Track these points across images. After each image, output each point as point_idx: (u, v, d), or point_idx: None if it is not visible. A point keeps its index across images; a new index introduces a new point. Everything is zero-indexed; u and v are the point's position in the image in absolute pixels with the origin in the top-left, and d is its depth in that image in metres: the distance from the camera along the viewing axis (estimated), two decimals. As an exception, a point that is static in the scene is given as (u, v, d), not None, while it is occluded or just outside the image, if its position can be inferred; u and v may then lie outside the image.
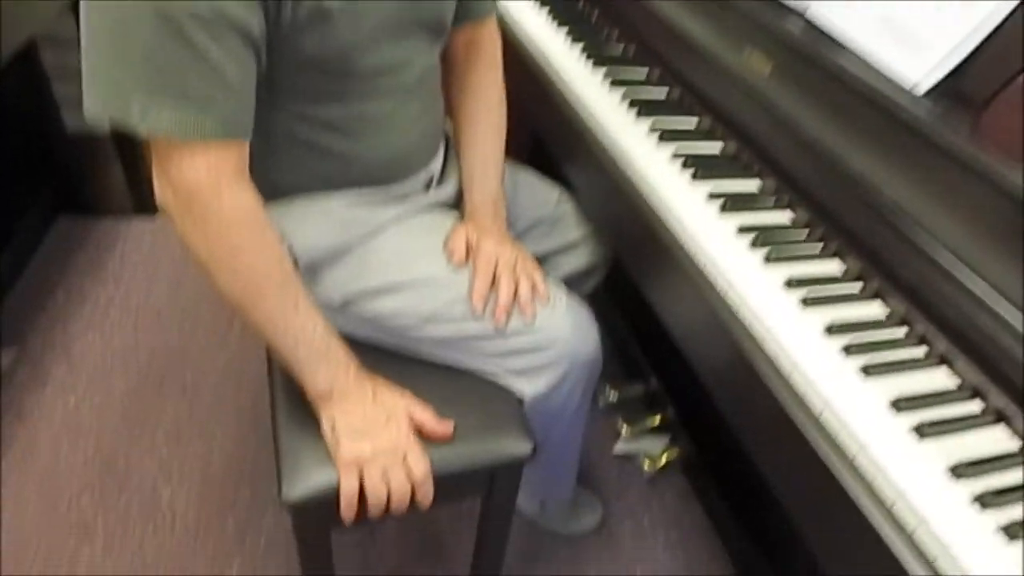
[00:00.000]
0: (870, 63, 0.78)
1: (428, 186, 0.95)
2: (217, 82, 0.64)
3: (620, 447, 1.39)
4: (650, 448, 1.36)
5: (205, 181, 0.67)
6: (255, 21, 0.65)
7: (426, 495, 0.78)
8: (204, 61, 0.62)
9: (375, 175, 0.86)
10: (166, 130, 0.63)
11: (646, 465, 1.33)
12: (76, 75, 0.63)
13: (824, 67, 0.81)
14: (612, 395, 1.42)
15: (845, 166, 0.77)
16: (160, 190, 0.69)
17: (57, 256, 1.75)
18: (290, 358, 0.76)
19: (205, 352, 1.55)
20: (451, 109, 0.99)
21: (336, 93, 0.77)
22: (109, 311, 1.63)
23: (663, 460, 1.33)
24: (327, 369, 0.77)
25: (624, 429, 1.38)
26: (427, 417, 0.80)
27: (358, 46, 0.74)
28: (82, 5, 0.62)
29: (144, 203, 1.88)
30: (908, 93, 0.74)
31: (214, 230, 0.69)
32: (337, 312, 0.84)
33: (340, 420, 0.77)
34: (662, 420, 1.38)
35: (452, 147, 1.01)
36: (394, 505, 0.77)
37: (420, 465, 0.77)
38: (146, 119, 0.63)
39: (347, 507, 0.76)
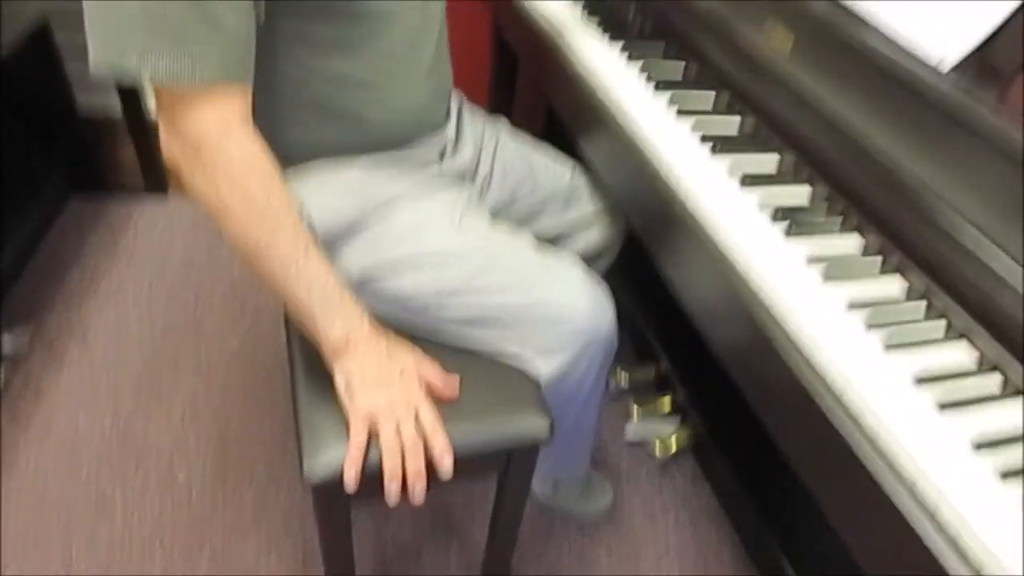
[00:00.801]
0: (894, 39, 0.77)
1: (442, 155, 0.94)
2: (215, 27, 0.64)
3: (631, 432, 1.39)
4: (661, 432, 1.36)
5: (212, 129, 0.67)
6: None
7: (441, 453, 0.76)
8: (200, 7, 0.62)
9: (390, 136, 0.86)
10: (165, 76, 0.63)
11: (658, 450, 1.34)
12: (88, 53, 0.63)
13: (847, 43, 0.80)
14: (623, 378, 1.42)
15: (868, 143, 0.76)
16: (167, 142, 0.69)
17: (71, 235, 1.76)
18: (305, 311, 0.76)
19: (219, 330, 1.56)
20: None
21: (341, 41, 0.76)
22: (123, 289, 1.64)
23: (674, 446, 1.33)
24: (343, 318, 0.77)
25: (635, 412, 1.38)
26: (435, 374, 0.81)
27: None
28: None
29: (157, 182, 1.88)
30: (933, 69, 0.72)
31: (224, 177, 0.69)
32: (356, 291, 0.85)
33: (355, 372, 0.77)
34: (673, 403, 1.38)
35: (464, 112, 1.00)
36: (408, 463, 0.75)
37: (432, 418, 0.77)
38: (144, 65, 0.63)
39: (353, 460, 0.74)
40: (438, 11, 0.87)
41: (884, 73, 0.76)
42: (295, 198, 0.77)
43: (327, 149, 0.83)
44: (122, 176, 1.86)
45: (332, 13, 0.73)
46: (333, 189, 0.83)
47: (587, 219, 1.09)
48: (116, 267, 1.69)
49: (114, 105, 1.73)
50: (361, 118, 0.82)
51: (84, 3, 0.63)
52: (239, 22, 0.66)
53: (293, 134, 0.80)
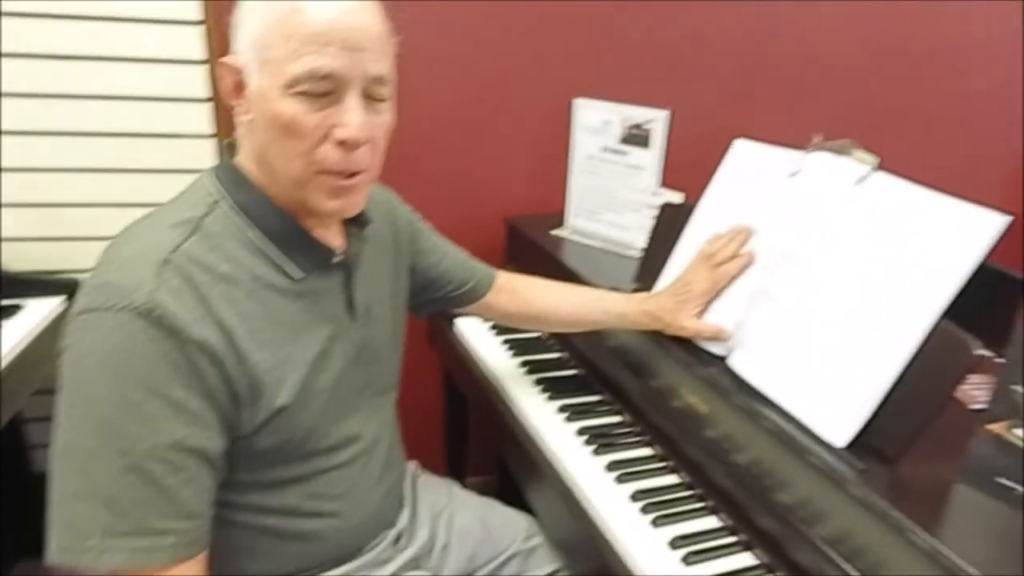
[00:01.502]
0: (789, 415, 0.88)
1: (398, 542, 0.97)
2: (176, 513, 0.67)
3: None
4: None
5: None
6: (215, 443, 0.70)
7: None
8: (164, 494, 0.66)
9: (346, 545, 0.89)
10: (122, 567, 0.66)
11: None
12: (47, 419, 0.67)
13: (748, 414, 0.91)
14: None
15: (774, 499, 0.85)
16: None
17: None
18: None
19: None
20: (540, 321, 1.17)
21: (297, 478, 0.81)
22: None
23: None
24: None
25: None
26: None
27: (315, 430, 0.80)
28: (52, 448, 0.67)
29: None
30: (827, 445, 0.82)
31: None
32: None
33: None
34: None
35: (418, 489, 1.05)
36: None
37: None
38: (101, 562, 0.65)
39: None
40: (390, 416, 0.96)
41: (785, 446, 0.85)
42: None
43: (286, 568, 0.85)
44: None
45: (290, 457, 0.79)
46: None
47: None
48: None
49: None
50: (320, 535, 0.85)
51: (51, 491, 0.67)
52: (200, 502, 0.70)
53: (249, 564, 0.83)
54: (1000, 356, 0.77)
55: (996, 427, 0.75)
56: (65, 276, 1.41)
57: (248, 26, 0.71)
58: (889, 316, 0.80)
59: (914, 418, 0.77)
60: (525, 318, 1.17)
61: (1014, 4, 1.82)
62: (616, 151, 1.43)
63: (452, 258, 1.08)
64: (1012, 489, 0.73)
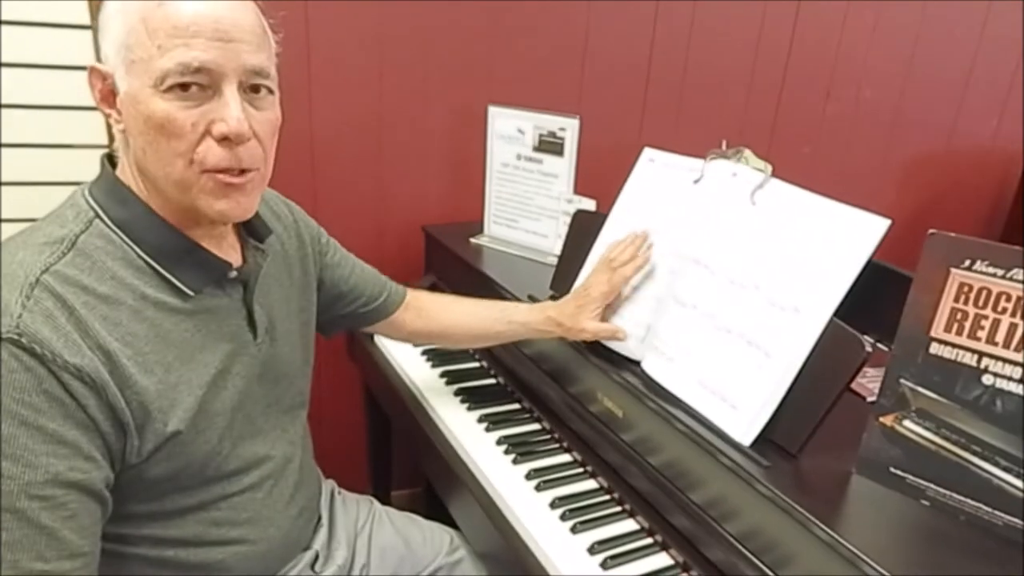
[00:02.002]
0: (699, 416, 0.90)
1: (314, 564, 0.94)
2: (59, 553, 0.63)
3: None
4: None
5: None
6: (98, 474, 0.66)
7: None
8: (43, 533, 0.62)
9: (256, 571, 0.85)
10: None
11: None
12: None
13: (661, 416, 0.93)
14: None
15: (688, 499, 0.88)
16: None
17: None
18: None
19: None
20: (446, 337, 1.15)
21: (197, 506, 0.77)
22: None
23: None
24: None
25: None
26: None
27: (215, 454, 0.76)
28: None
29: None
30: (735, 443, 0.84)
31: None
32: None
33: None
34: None
35: (335, 506, 1.02)
36: None
37: None
38: None
39: None
40: (301, 431, 0.93)
41: (696, 446, 0.87)
42: None
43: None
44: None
45: (188, 485, 0.75)
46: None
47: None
48: None
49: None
50: (226, 566, 0.82)
51: None
52: (84, 539, 0.65)
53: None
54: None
55: (888, 419, 0.78)
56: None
57: (112, 28, 0.67)
58: (786, 318, 0.84)
59: (812, 415, 0.80)
60: (430, 335, 1.15)
61: (906, 7, 1.93)
62: (531, 159, 1.44)
63: (362, 272, 1.06)
64: (903, 478, 0.77)
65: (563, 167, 1.40)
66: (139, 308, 0.70)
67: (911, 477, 0.77)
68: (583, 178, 1.41)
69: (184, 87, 0.66)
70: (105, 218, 0.71)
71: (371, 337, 1.43)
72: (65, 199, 0.74)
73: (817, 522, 0.72)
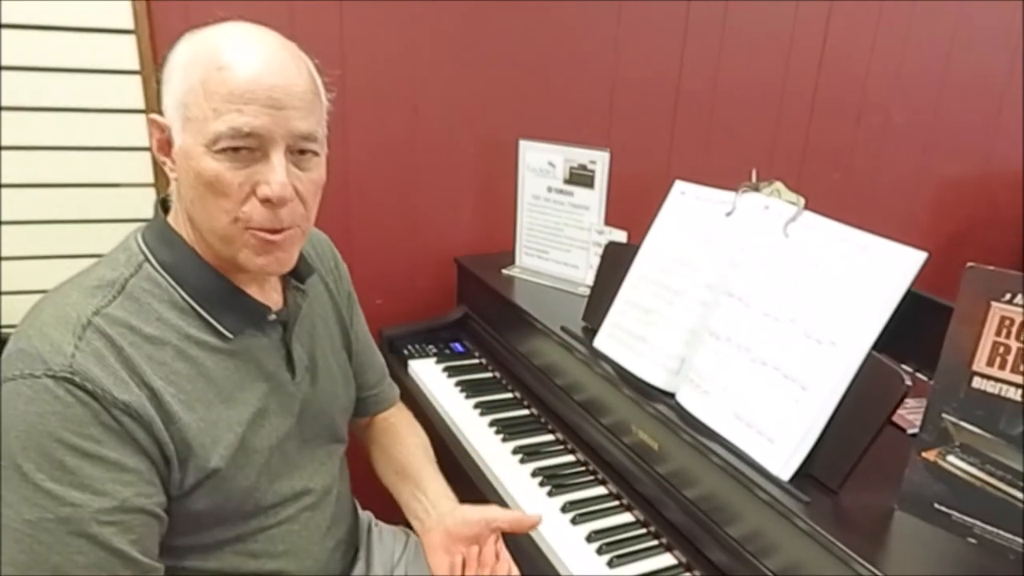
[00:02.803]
0: (736, 449, 0.89)
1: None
2: (135, 571, 0.68)
3: None
4: None
5: None
6: (158, 498, 0.70)
7: None
8: (116, 556, 0.66)
9: None
10: None
11: None
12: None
13: (697, 449, 0.92)
14: None
15: (725, 533, 0.87)
16: None
17: None
18: None
19: None
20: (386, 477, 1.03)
21: (235, 538, 0.79)
22: None
23: None
24: None
25: None
26: None
27: (255, 490, 0.78)
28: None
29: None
30: (773, 478, 0.84)
31: None
32: None
33: None
34: None
35: (372, 539, 1.03)
36: None
37: None
38: None
39: None
40: (336, 469, 0.93)
41: (733, 479, 0.86)
42: None
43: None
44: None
45: (229, 518, 0.78)
46: None
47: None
48: None
49: None
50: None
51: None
52: (152, 558, 0.70)
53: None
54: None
55: (930, 454, 0.77)
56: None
57: (174, 83, 0.71)
58: (823, 351, 0.83)
59: (852, 449, 0.79)
60: (375, 455, 1.06)
61: (936, 30, 1.93)
62: (561, 191, 1.46)
63: (372, 355, 1.05)
64: (949, 515, 0.76)
65: (594, 199, 1.41)
66: (183, 348, 0.73)
67: (956, 514, 0.75)
68: (613, 209, 1.42)
69: (235, 149, 0.69)
70: (154, 261, 0.75)
71: (405, 367, 1.45)
72: (119, 242, 0.78)
73: (860, 560, 0.71)
